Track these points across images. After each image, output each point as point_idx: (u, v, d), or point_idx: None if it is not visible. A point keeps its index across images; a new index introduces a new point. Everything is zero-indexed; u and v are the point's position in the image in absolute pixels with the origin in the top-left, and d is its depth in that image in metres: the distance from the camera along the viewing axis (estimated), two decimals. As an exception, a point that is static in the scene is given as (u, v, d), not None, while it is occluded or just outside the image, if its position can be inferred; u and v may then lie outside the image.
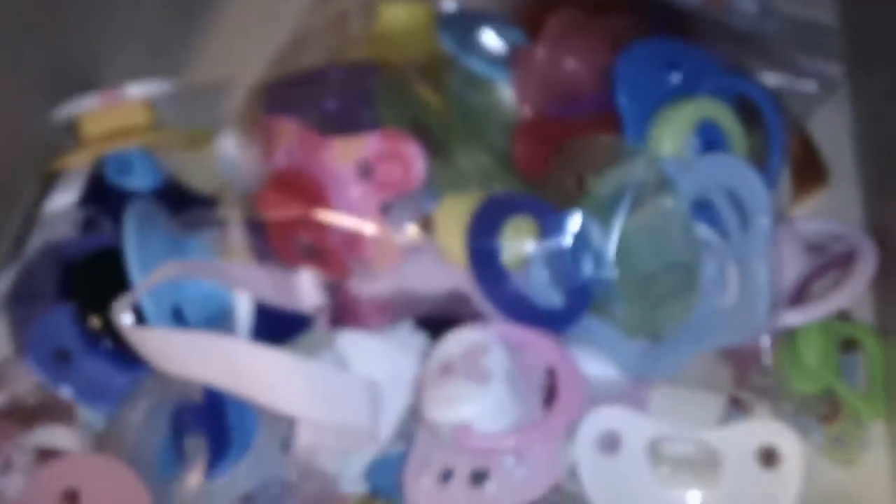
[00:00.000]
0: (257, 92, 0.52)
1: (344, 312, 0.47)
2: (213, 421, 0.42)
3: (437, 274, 0.45)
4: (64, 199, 0.52)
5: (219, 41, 0.64)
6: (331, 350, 0.46)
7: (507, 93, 0.48)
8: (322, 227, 0.44)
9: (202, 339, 0.40)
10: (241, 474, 0.42)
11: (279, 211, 0.44)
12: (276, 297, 0.46)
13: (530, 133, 0.46)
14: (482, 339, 0.40)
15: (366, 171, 0.44)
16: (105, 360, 0.46)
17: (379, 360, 0.45)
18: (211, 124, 0.57)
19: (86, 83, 0.58)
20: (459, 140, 0.46)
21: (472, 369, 0.39)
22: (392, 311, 0.47)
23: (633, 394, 0.44)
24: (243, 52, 0.62)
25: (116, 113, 0.55)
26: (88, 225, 0.52)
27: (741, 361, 0.45)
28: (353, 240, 0.45)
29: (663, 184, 0.41)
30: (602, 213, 0.42)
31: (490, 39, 0.50)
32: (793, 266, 0.45)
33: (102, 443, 0.43)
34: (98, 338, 0.46)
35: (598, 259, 0.41)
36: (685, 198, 0.41)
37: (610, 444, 0.41)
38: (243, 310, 0.45)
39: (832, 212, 0.51)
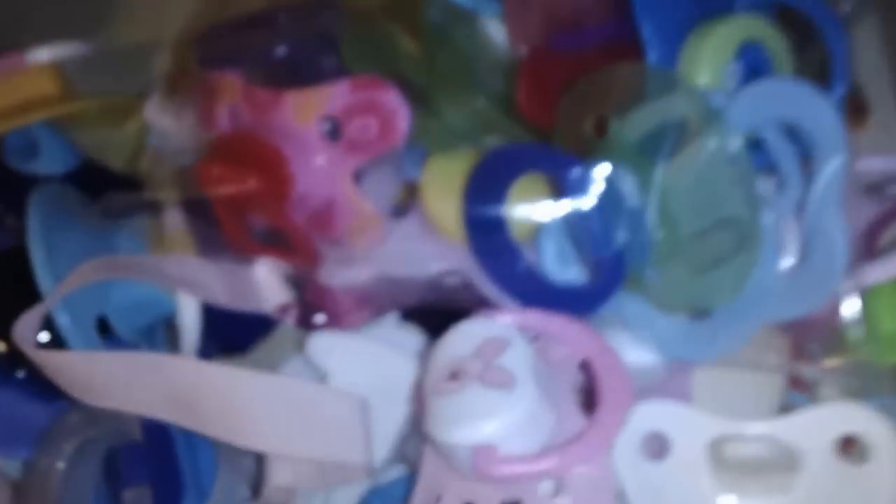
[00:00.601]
0: (188, 43, 0.43)
1: (315, 309, 0.40)
2: (159, 464, 0.34)
3: (427, 253, 0.38)
4: None
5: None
6: (301, 357, 0.39)
7: (494, 27, 0.41)
8: (282, 205, 0.36)
9: (135, 361, 0.32)
10: None
11: (226, 186, 0.36)
12: (229, 298, 0.39)
13: (533, 71, 0.38)
14: (498, 333, 0.32)
15: (333, 130, 0.36)
16: (16, 392, 0.37)
17: (364, 366, 0.37)
18: (134, 93, 0.49)
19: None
20: (444, 86, 0.39)
21: (489, 372, 0.31)
22: (373, 304, 0.40)
23: (672, 383, 0.38)
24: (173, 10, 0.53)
25: (17, 83, 0.47)
26: None
27: (799, 330, 0.39)
28: (321, 218, 0.37)
29: (709, 120, 0.33)
30: (632, 161, 0.34)
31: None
32: (858, 214, 0.39)
33: (21, 500, 0.34)
34: (6, 364, 0.37)
35: (633, 220, 0.33)
36: (737, 137, 0.33)
37: (657, 447, 0.35)
38: (189, 317, 0.37)
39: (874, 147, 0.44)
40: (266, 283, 0.39)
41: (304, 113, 0.36)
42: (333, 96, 0.36)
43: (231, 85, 0.38)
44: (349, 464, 0.33)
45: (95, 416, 0.34)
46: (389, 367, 0.37)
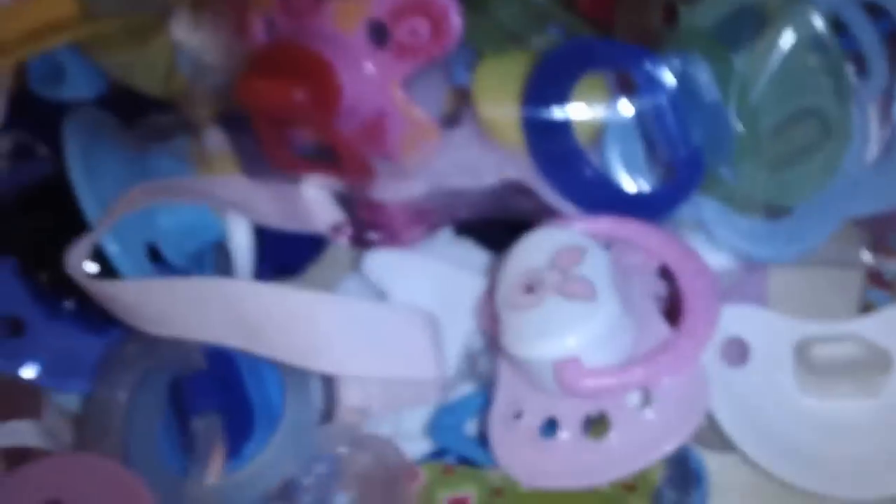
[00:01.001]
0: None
1: (368, 227, 0.38)
2: (227, 392, 0.33)
3: (483, 162, 0.36)
4: None
5: None
6: (356, 276, 0.38)
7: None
8: (329, 118, 0.34)
9: (195, 287, 0.30)
10: (272, 459, 0.32)
11: (269, 101, 0.33)
12: (280, 218, 0.37)
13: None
14: (572, 241, 0.31)
15: (380, 35, 0.33)
16: (68, 324, 0.37)
17: (423, 282, 0.36)
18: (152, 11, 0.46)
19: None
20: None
21: (568, 283, 0.30)
22: (428, 219, 0.38)
23: (746, 284, 0.36)
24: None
25: (32, 6, 0.44)
26: (18, 153, 0.42)
27: (880, 224, 0.37)
28: (371, 130, 0.35)
29: (792, 3, 0.31)
30: (707, 51, 0.32)
31: None
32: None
33: (82, 434, 0.34)
34: (55, 297, 0.36)
35: (710, 115, 0.31)
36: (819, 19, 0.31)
37: (737, 353, 0.34)
38: (241, 239, 0.36)
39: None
40: (316, 203, 0.38)
41: (347, 17, 0.34)
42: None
43: None
44: (422, 381, 0.32)
45: (155, 345, 0.33)
46: (450, 282, 0.36)
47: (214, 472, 0.32)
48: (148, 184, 0.34)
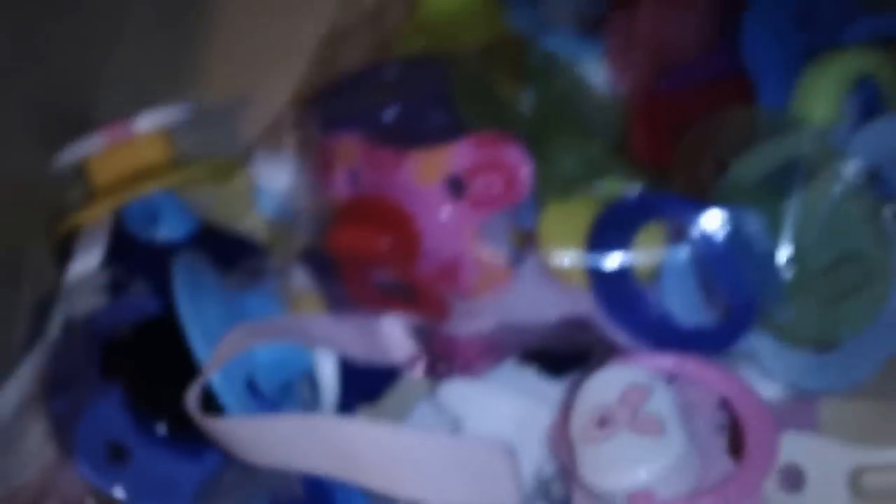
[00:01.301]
0: (298, 105, 0.44)
1: (440, 359, 0.41)
2: None
3: (548, 300, 0.39)
4: (84, 265, 0.45)
5: (224, 59, 0.56)
6: (429, 403, 0.41)
7: (595, 71, 0.42)
8: (410, 263, 0.38)
9: (297, 422, 0.34)
10: None
11: (356, 249, 0.37)
12: (363, 352, 0.40)
13: (646, 113, 0.39)
14: (639, 379, 0.34)
15: (457, 188, 0.37)
16: (169, 451, 0.39)
17: (496, 411, 0.38)
18: (230, 151, 0.51)
19: (82, 121, 0.51)
20: (554, 133, 0.40)
21: (638, 419, 0.32)
22: (496, 350, 0.41)
23: (798, 413, 0.38)
24: (253, 70, 0.55)
25: (129, 151, 0.48)
26: (117, 290, 0.45)
27: None
28: (448, 272, 0.38)
29: (830, 158, 0.34)
30: (756, 201, 0.35)
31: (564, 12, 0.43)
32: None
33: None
34: (156, 426, 0.39)
35: (762, 261, 0.34)
36: (859, 173, 0.34)
37: (793, 479, 0.35)
38: (327, 373, 0.39)
39: None
40: (394, 337, 0.40)
41: (428, 173, 0.37)
42: (457, 155, 0.37)
43: (350, 148, 0.39)
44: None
45: (253, 473, 0.36)
46: (521, 410, 0.38)
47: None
48: (247, 325, 0.37)
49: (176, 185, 0.48)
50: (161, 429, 0.39)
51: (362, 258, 0.38)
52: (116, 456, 0.38)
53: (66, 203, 0.51)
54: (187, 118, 0.49)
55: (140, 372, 0.39)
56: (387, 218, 0.37)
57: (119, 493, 0.38)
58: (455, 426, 0.39)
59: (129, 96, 0.52)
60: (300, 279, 0.41)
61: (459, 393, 0.39)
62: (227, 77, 0.55)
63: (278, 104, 0.50)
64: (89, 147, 0.47)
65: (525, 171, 0.36)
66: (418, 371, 0.41)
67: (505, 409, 0.39)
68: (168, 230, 0.46)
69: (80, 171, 0.49)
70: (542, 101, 0.41)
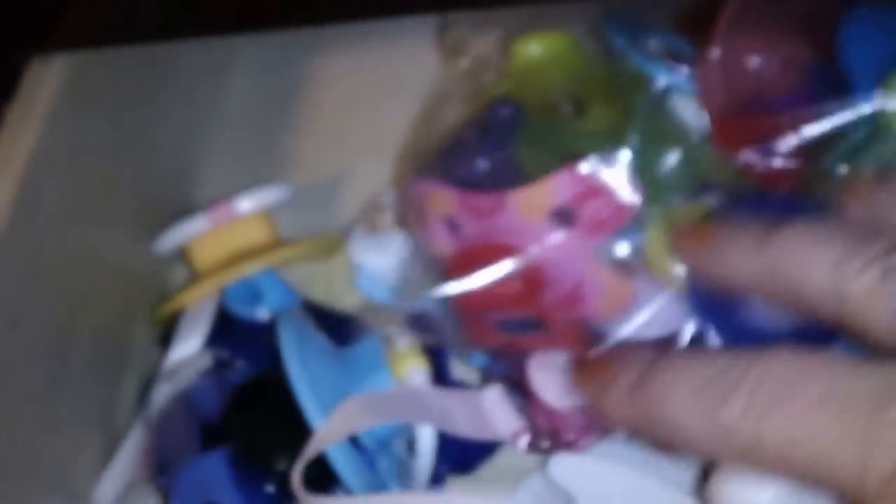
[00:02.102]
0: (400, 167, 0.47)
1: (545, 434, 0.41)
2: None
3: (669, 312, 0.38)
4: (186, 347, 0.47)
5: (318, 145, 0.59)
6: (538, 476, 0.41)
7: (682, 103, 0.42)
8: (538, 300, 0.38)
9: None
10: None
11: (485, 299, 0.38)
12: (469, 424, 0.40)
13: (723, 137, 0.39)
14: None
15: (566, 218, 0.37)
16: None
17: (611, 486, 0.38)
18: (328, 231, 0.53)
19: (184, 207, 0.53)
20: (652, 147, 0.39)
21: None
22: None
23: None
24: (346, 154, 0.58)
25: (231, 232, 0.50)
26: (221, 370, 0.47)
27: None
28: (572, 298, 0.38)
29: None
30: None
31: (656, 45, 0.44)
32: None
33: None
34: (260, 486, 0.40)
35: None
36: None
37: None
38: (425, 445, 0.40)
39: None
40: (498, 410, 0.41)
41: (533, 210, 0.38)
42: (560, 187, 0.37)
43: (444, 197, 0.40)
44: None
45: None
46: (636, 486, 0.38)
47: None
48: (361, 398, 0.38)
49: (277, 264, 0.49)
50: (267, 489, 0.40)
51: (490, 304, 0.38)
52: None
53: (169, 286, 0.54)
54: (287, 199, 0.51)
55: (245, 431, 0.40)
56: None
57: None
58: (567, 501, 0.38)
59: (228, 182, 0.54)
60: (403, 342, 0.42)
61: (571, 468, 0.38)
62: (322, 161, 0.57)
63: (372, 185, 0.52)
64: (192, 229, 0.49)
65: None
66: (522, 445, 0.41)
67: (618, 483, 0.38)
68: (269, 308, 0.48)
69: (183, 254, 0.51)
70: (637, 119, 0.40)
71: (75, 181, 0.45)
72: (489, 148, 0.41)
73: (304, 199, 0.53)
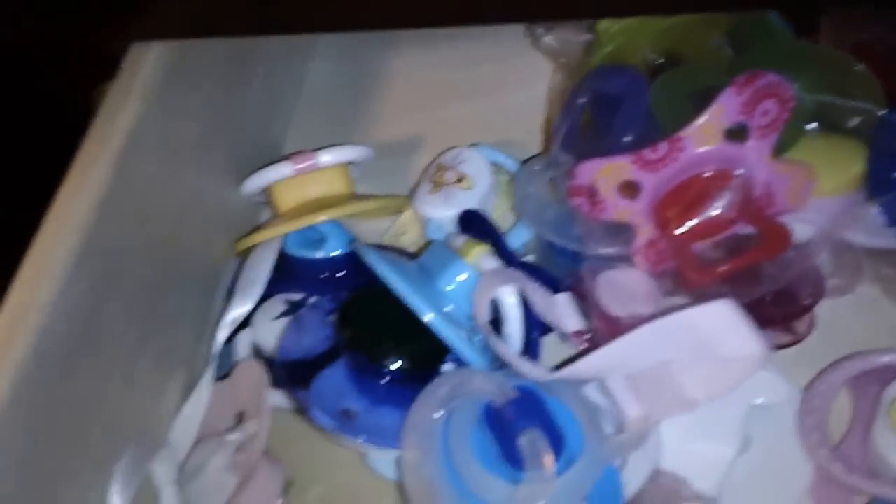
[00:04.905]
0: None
1: (602, 337, 0.46)
2: (542, 415, 0.42)
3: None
4: (250, 294, 0.52)
5: (382, 122, 0.67)
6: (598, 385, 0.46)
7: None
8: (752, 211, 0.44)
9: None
10: (581, 471, 0.40)
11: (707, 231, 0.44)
12: (543, 313, 0.47)
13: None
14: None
15: (739, 133, 0.44)
16: (384, 407, 0.46)
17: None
18: (399, 190, 0.60)
19: (267, 156, 0.60)
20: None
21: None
22: None
23: None
24: (407, 130, 0.65)
25: (313, 180, 0.57)
26: (294, 310, 0.53)
27: None
28: (767, 199, 0.45)
29: None
30: None
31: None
32: None
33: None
34: (373, 388, 0.46)
35: None
36: None
37: None
38: (513, 310, 0.47)
39: None
40: (567, 311, 0.47)
41: (707, 138, 0.44)
42: (726, 108, 0.43)
43: (616, 167, 0.46)
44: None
45: (464, 384, 0.43)
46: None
47: (550, 473, 0.40)
48: (490, 276, 0.47)
49: (352, 215, 0.55)
50: (378, 389, 0.46)
51: (708, 233, 0.45)
52: (346, 416, 0.45)
53: (255, 224, 0.60)
54: (366, 158, 0.58)
55: (355, 340, 0.46)
56: (717, 187, 0.44)
57: (353, 439, 0.44)
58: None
59: (309, 142, 0.60)
60: (458, 238, 0.49)
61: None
62: (391, 136, 0.65)
63: (439, 148, 0.60)
64: (277, 173, 0.56)
65: (787, 86, 0.43)
66: (581, 343, 0.47)
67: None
68: (328, 250, 0.54)
69: (267, 198, 0.57)
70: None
71: (173, 145, 0.50)
72: (625, 114, 0.48)
73: (375, 167, 0.60)
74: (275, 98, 0.65)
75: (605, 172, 0.45)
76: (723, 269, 0.44)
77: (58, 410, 0.40)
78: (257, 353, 0.52)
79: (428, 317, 0.44)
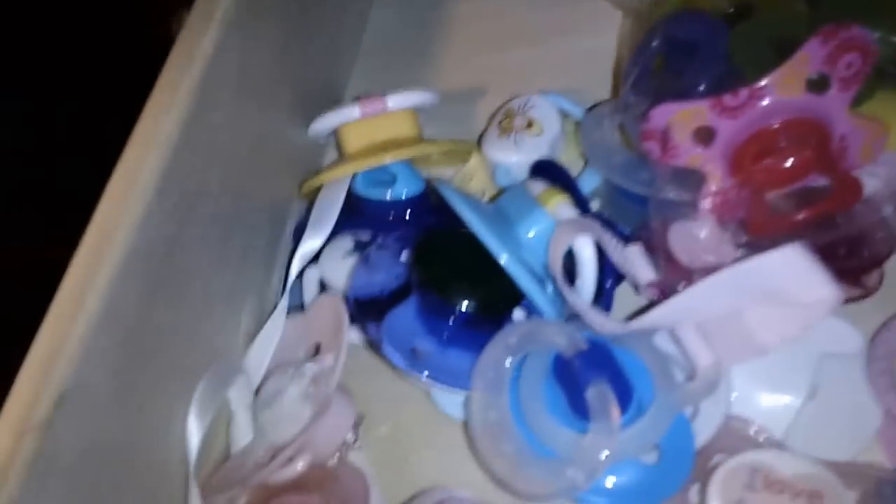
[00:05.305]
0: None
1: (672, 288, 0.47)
2: (611, 367, 0.43)
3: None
4: (320, 230, 0.53)
5: (452, 56, 0.67)
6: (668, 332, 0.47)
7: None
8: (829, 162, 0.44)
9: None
10: (652, 419, 0.42)
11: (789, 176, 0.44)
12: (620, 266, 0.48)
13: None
14: None
15: (822, 83, 0.44)
16: (452, 347, 0.47)
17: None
18: (465, 135, 0.60)
19: (329, 101, 0.61)
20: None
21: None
22: None
23: None
24: (467, 78, 0.66)
25: (382, 123, 0.57)
26: (361, 249, 0.54)
27: None
28: (841, 152, 0.45)
29: None
30: None
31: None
32: None
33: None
34: (441, 330, 0.47)
35: None
36: None
37: None
38: (589, 258, 0.47)
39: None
40: (639, 262, 0.48)
41: (789, 87, 0.44)
42: (811, 57, 0.43)
43: (693, 112, 0.45)
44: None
45: (534, 334, 0.44)
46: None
47: (616, 425, 0.41)
48: (567, 224, 0.48)
49: (420, 157, 0.57)
50: (447, 330, 0.47)
51: (789, 179, 0.45)
52: (416, 355, 0.46)
53: (316, 166, 0.61)
54: (432, 103, 0.58)
55: (428, 279, 0.47)
56: (800, 136, 0.44)
57: (421, 378, 0.45)
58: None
59: (371, 88, 0.60)
60: (538, 184, 0.50)
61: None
62: (452, 84, 0.65)
63: (503, 95, 0.60)
64: (345, 115, 0.57)
65: (869, 37, 0.43)
66: (651, 294, 0.48)
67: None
68: (397, 192, 0.55)
69: (334, 139, 0.59)
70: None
71: (248, 77, 0.51)
72: (702, 60, 0.48)
73: (439, 113, 0.60)
74: (337, 43, 0.66)
75: (681, 117, 0.45)
76: (799, 216, 0.45)
77: (144, 328, 0.42)
78: (324, 288, 0.54)
79: (505, 260, 0.45)
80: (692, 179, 0.47)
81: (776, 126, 0.45)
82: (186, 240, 0.45)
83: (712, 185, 0.47)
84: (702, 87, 0.48)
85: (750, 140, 0.45)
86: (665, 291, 0.48)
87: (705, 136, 0.46)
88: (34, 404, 0.35)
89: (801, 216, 0.45)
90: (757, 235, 0.46)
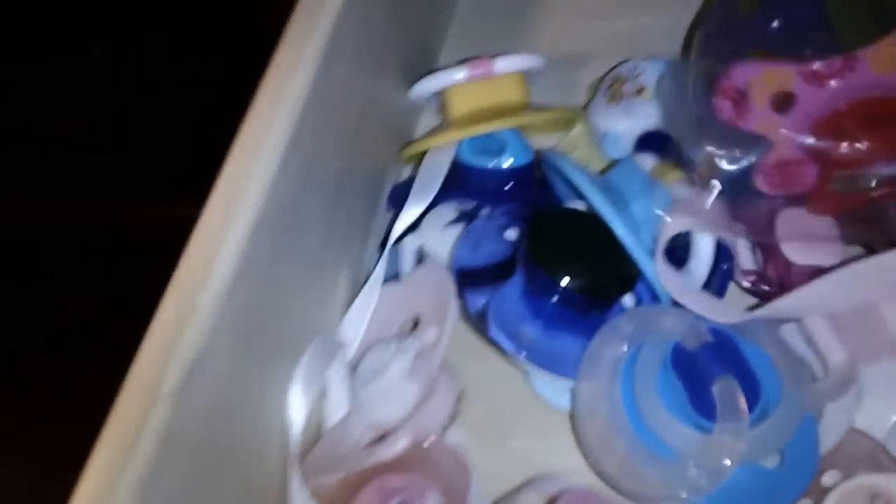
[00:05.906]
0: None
1: (768, 282, 0.46)
2: (738, 362, 0.41)
3: None
4: (424, 197, 0.52)
5: (556, 21, 0.66)
6: None
7: None
8: None
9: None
10: (782, 421, 0.40)
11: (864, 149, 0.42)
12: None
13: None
14: None
15: None
16: (556, 331, 0.46)
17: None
18: (570, 102, 0.59)
19: (426, 65, 0.60)
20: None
21: None
22: None
23: None
24: (581, 31, 0.64)
25: (490, 88, 0.55)
26: (464, 220, 0.53)
27: None
28: None
29: None
30: None
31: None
32: None
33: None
34: (545, 312, 0.46)
35: None
36: None
37: None
38: (706, 248, 0.46)
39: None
40: (742, 247, 0.46)
41: (886, 62, 0.42)
42: None
43: (779, 74, 0.43)
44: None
45: (649, 323, 0.43)
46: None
47: (744, 425, 0.39)
48: (680, 207, 0.46)
49: (528, 124, 0.55)
50: (551, 310, 0.46)
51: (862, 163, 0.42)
52: (520, 337, 0.45)
53: (413, 129, 0.60)
54: (541, 67, 0.56)
55: (535, 256, 0.46)
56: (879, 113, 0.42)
57: (525, 361, 0.44)
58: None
59: (469, 53, 0.58)
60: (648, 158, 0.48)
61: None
62: (560, 39, 0.64)
63: (607, 62, 0.58)
64: (451, 77, 0.55)
65: None
66: (746, 283, 0.46)
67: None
68: (510, 160, 0.53)
69: (439, 103, 0.57)
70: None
71: (363, 44, 0.49)
72: (799, 15, 0.45)
73: (543, 79, 0.59)
74: (433, 3, 0.64)
75: (764, 78, 0.43)
76: (877, 193, 0.42)
77: (262, 297, 0.41)
78: (422, 258, 0.53)
79: (628, 239, 0.43)
80: (748, 145, 0.45)
81: (866, 102, 0.42)
82: (306, 205, 0.44)
83: (775, 156, 0.44)
84: (790, 47, 0.44)
85: (835, 114, 0.43)
86: (759, 282, 0.46)
87: (783, 102, 0.43)
88: (163, 372, 0.34)
89: (882, 192, 0.42)
90: (816, 213, 0.45)
